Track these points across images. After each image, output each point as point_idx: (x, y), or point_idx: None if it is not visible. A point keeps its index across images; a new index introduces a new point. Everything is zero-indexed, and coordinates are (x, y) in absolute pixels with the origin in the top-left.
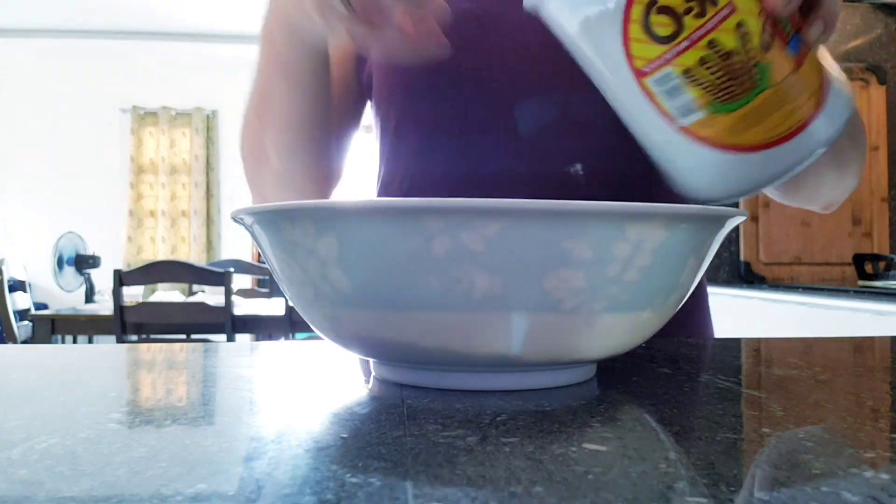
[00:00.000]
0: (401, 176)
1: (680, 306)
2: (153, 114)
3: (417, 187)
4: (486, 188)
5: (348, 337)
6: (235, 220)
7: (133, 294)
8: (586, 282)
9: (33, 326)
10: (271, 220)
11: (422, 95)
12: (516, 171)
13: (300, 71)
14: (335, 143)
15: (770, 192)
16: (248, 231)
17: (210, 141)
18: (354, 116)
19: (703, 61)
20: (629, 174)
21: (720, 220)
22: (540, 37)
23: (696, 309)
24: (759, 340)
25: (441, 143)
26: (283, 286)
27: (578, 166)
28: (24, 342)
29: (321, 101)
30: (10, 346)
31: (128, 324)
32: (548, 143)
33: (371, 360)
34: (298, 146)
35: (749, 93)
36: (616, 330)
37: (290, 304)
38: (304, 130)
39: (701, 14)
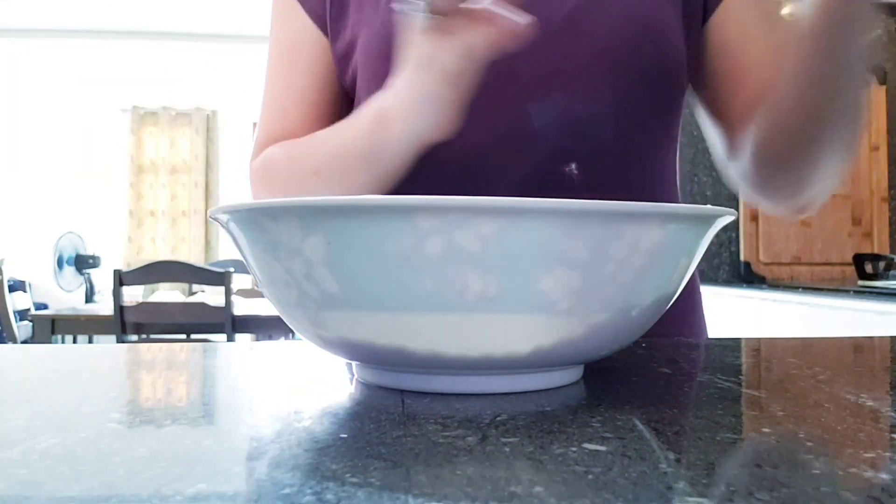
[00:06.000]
0: None
1: (670, 305)
2: (153, 114)
3: (410, 182)
4: (480, 186)
5: (333, 340)
6: (213, 219)
7: (133, 294)
8: (582, 282)
9: (33, 326)
10: (253, 219)
11: None
12: (511, 169)
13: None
14: None
15: (749, 195)
16: (226, 230)
17: (210, 141)
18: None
19: None
20: (623, 174)
21: (715, 219)
22: (537, 38)
23: (690, 311)
24: (759, 340)
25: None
26: (262, 287)
27: (573, 166)
28: (24, 342)
29: None
30: (10, 346)
31: (128, 324)
32: (543, 142)
33: (354, 364)
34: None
35: None
36: (608, 330)
37: (271, 304)
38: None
39: None
